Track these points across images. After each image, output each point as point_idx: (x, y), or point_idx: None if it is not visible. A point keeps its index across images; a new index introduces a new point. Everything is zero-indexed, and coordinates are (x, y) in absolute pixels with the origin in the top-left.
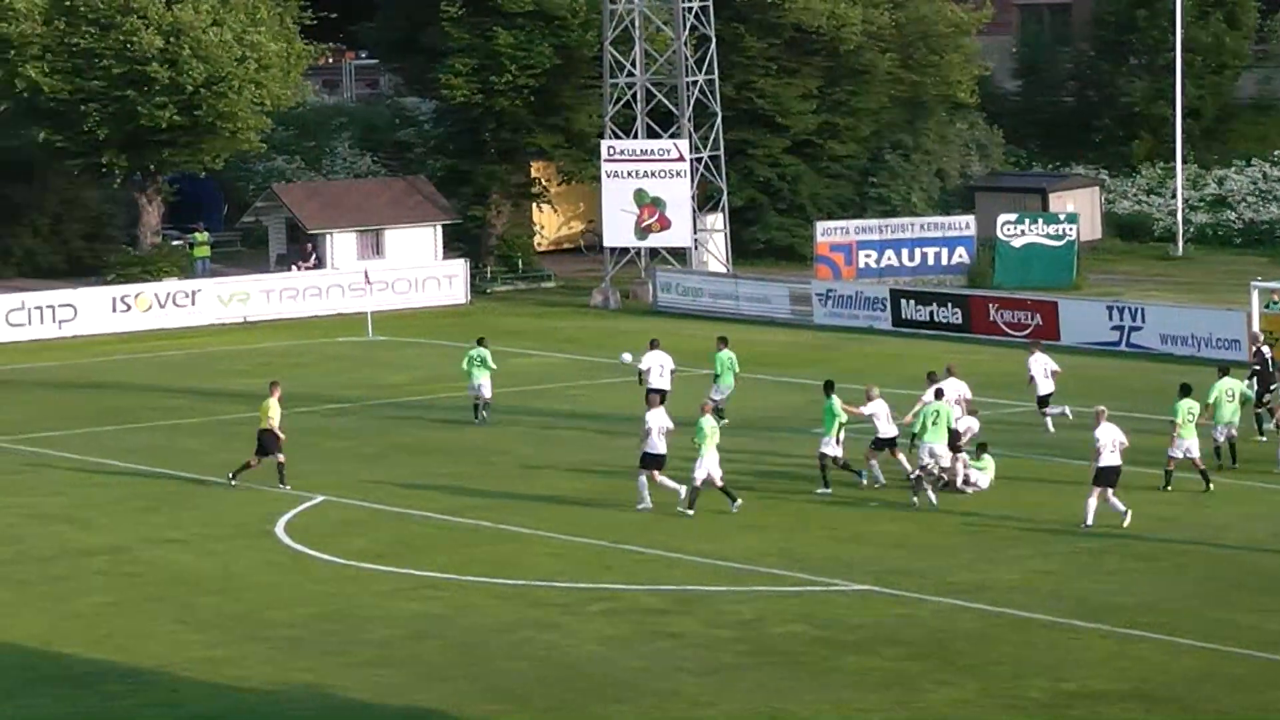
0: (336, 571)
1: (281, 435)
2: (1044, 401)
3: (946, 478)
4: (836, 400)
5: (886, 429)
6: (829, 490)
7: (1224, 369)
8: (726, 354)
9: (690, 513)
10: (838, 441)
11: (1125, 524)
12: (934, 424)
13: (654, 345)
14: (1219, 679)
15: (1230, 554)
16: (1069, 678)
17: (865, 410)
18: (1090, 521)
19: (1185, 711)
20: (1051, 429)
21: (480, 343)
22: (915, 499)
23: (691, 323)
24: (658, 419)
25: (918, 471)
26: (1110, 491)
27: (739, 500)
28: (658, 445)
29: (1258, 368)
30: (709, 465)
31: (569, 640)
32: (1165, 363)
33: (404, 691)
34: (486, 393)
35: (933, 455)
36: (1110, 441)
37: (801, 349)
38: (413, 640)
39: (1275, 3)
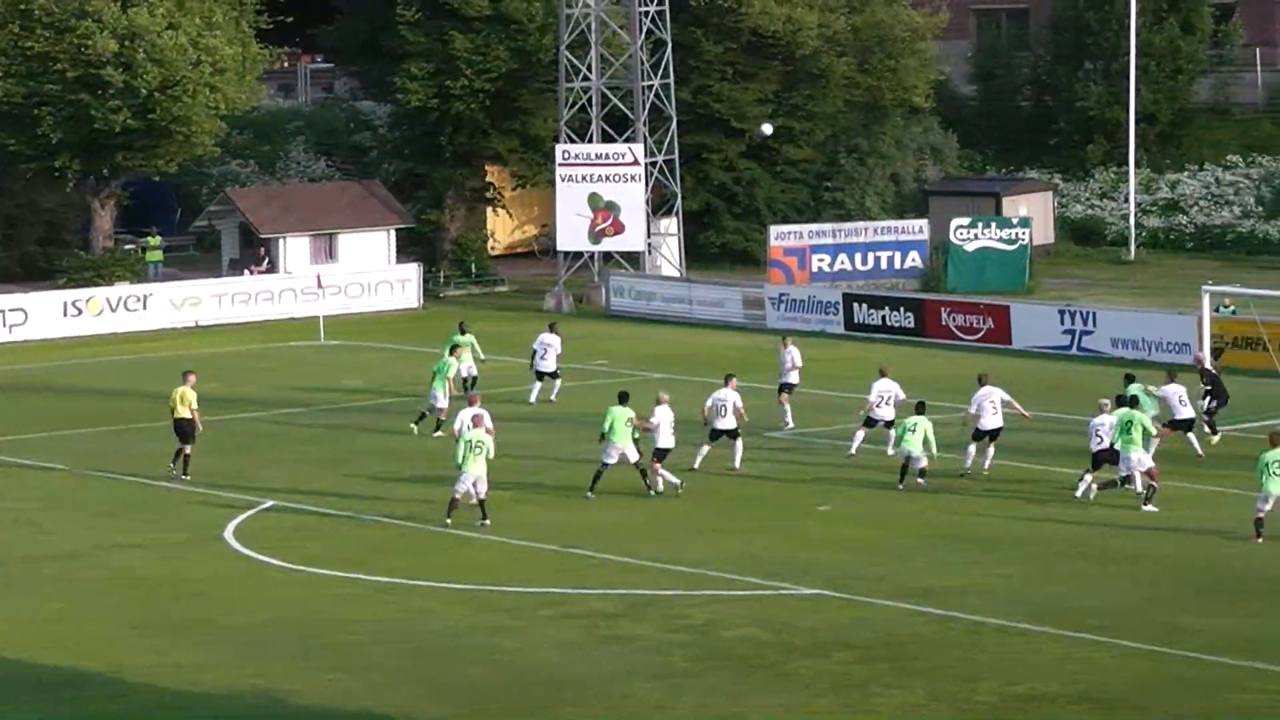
0: (290, 576)
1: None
2: (788, 388)
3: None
4: (622, 413)
5: (666, 439)
6: (593, 496)
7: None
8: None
9: (449, 522)
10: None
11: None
12: (1127, 432)
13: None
14: (1168, 682)
15: (1180, 558)
16: (1019, 681)
17: (653, 420)
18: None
19: (1134, 714)
20: (790, 421)
21: (461, 329)
22: (1148, 505)
23: (645, 326)
24: (464, 417)
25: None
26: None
27: (487, 522)
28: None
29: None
30: (475, 474)
31: (523, 645)
32: (1116, 366)
33: (359, 696)
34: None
35: (1128, 465)
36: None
37: (755, 353)
38: (367, 645)
39: (1229, 8)
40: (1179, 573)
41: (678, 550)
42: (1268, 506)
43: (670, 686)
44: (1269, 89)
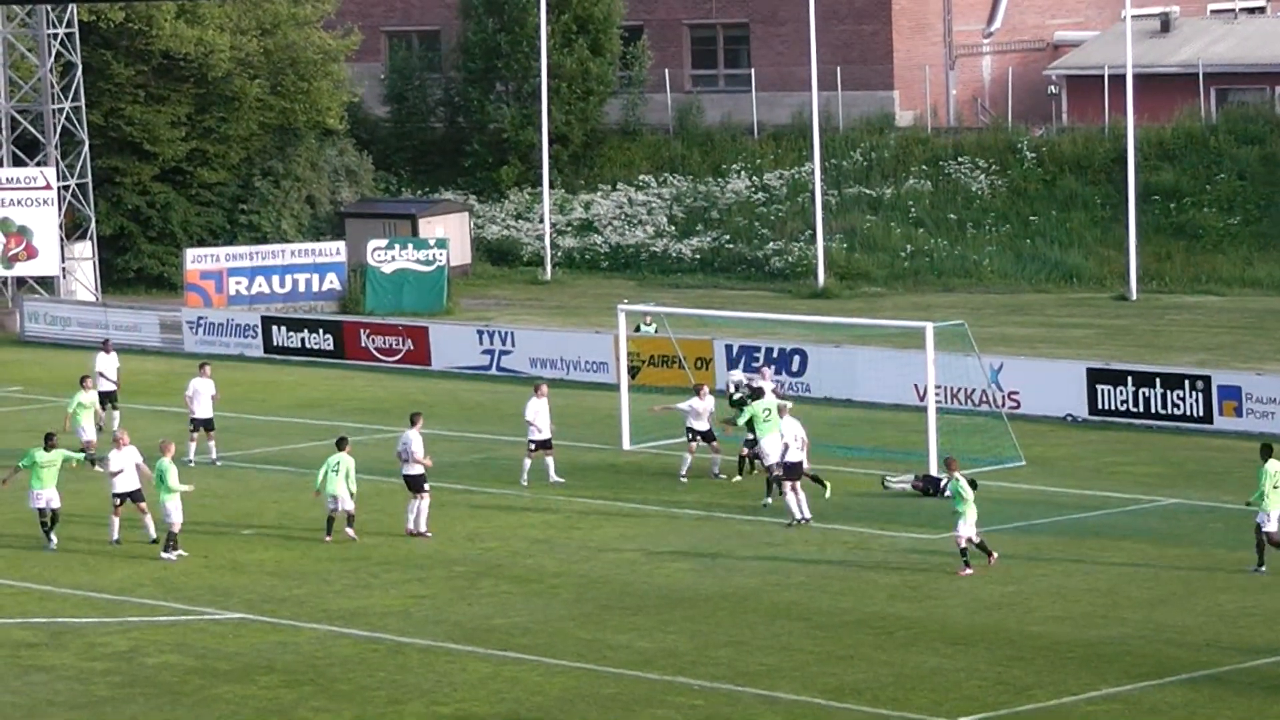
0: None
1: None
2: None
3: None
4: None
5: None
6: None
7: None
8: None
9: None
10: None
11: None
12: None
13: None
14: (591, 698)
15: (602, 575)
16: (445, 701)
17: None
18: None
19: None
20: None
21: None
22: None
23: (61, 352)
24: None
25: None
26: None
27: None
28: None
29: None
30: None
31: None
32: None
33: None
34: None
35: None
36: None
37: (173, 377)
38: None
39: (637, 30)
40: (600, 590)
41: (97, 578)
42: (1272, 525)
43: (92, 715)
44: (678, 110)
